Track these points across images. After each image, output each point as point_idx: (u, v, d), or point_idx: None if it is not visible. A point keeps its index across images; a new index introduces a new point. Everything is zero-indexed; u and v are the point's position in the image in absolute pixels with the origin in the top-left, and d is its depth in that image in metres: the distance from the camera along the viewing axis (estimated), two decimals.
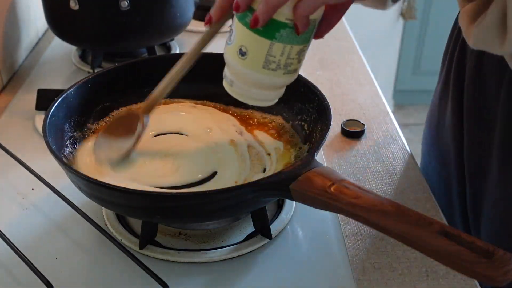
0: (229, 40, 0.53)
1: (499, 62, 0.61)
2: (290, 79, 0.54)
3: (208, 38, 0.57)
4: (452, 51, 0.73)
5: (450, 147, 0.74)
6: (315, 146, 0.59)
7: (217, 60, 0.75)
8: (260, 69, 0.51)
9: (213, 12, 0.53)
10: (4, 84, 0.94)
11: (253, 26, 0.49)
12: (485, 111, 0.65)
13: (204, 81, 0.74)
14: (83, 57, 1.02)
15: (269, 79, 0.52)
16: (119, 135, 0.63)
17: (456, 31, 0.72)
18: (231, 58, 0.53)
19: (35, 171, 0.67)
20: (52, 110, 0.61)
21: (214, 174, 0.61)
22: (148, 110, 0.62)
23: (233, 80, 0.54)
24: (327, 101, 0.63)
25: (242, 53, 0.51)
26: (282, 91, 0.57)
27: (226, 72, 0.55)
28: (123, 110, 0.70)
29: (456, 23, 0.73)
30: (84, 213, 0.61)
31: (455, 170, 0.73)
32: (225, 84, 0.56)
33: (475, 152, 0.68)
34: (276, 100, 0.57)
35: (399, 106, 2.76)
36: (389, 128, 0.83)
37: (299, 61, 0.53)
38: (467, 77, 0.67)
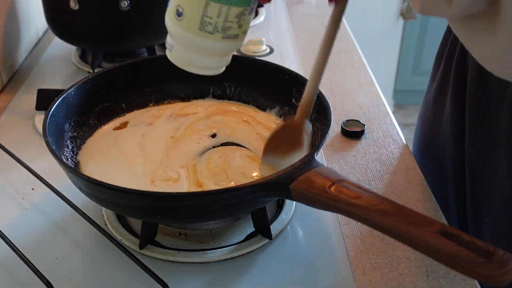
0: (169, 3, 0.51)
1: None
2: (231, 45, 0.52)
3: (337, 19, 0.54)
4: (450, 51, 0.73)
5: (448, 148, 0.74)
6: (315, 146, 0.59)
7: None
8: (196, 31, 0.50)
9: None
10: (4, 84, 0.94)
11: None
12: (490, 109, 0.65)
13: (203, 80, 0.74)
14: (83, 57, 1.02)
15: (207, 43, 0.51)
16: (281, 152, 0.58)
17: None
18: (168, 20, 0.52)
19: (35, 171, 0.67)
20: (52, 110, 0.61)
21: None
22: (306, 115, 0.57)
23: (172, 45, 0.53)
24: (327, 101, 0.63)
25: (179, 14, 0.50)
26: (226, 59, 0.54)
27: (167, 37, 0.54)
28: (279, 125, 0.60)
29: None
30: (84, 213, 0.61)
31: (453, 170, 0.73)
32: (167, 51, 0.54)
33: (478, 151, 0.68)
34: (221, 70, 0.54)
35: (399, 106, 2.76)
36: (389, 128, 0.83)
37: (240, 26, 0.51)
38: (469, 76, 0.67)
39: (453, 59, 0.72)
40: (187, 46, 0.52)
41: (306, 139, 0.57)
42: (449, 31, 0.74)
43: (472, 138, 0.69)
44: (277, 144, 0.58)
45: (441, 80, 0.75)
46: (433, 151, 0.78)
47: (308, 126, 0.57)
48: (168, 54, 0.54)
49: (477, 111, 0.67)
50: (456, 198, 0.74)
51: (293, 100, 0.69)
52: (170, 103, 0.74)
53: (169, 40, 0.53)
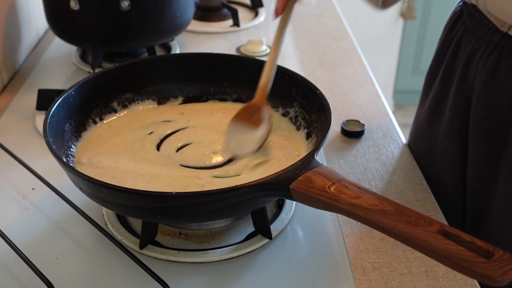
0: None
1: None
2: None
3: (283, 25, 0.68)
4: (448, 70, 0.71)
5: (447, 169, 0.72)
6: (315, 146, 0.59)
7: (216, 60, 0.75)
8: None
9: (277, 5, 0.66)
10: (5, 84, 0.94)
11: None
12: (497, 125, 0.64)
13: (204, 80, 0.75)
14: (83, 57, 1.02)
15: None
16: (242, 129, 0.66)
17: (451, 47, 0.70)
18: None
19: (36, 171, 0.67)
20: (52, 110, 0.61)
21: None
22: (265, 96, 0.66)
23: None
24: (327, 101, 0.63)
25: None
26: None
27: None
28: (241, 107, 0.68)
29: (447, 40, 0.71)
30: (84, 213, 0.61)
31: (453, 195, 0.72)
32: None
33: (481, 168, 0.67)
34: None
35: (399, 106, 2.76)
36: (389, 128, 0.83)
37: None
38: (476, 94, 0.65)
39: (451, 78, 0.70)
40: None
41: (266, 118, 0.65)
42: (444, 47, 0.72)
43: (476, 161, 0.68)
44: (239, 122, 0.66)
45: (436, 100, 0.73)
46: (430, 173, 0.75)
47: (268, 107, 0.65)
48: None
49: (482, 129, 0.66)
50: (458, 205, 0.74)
51: (299, 104, 0.69)
52: (170, 103, 0.74)
53: None
